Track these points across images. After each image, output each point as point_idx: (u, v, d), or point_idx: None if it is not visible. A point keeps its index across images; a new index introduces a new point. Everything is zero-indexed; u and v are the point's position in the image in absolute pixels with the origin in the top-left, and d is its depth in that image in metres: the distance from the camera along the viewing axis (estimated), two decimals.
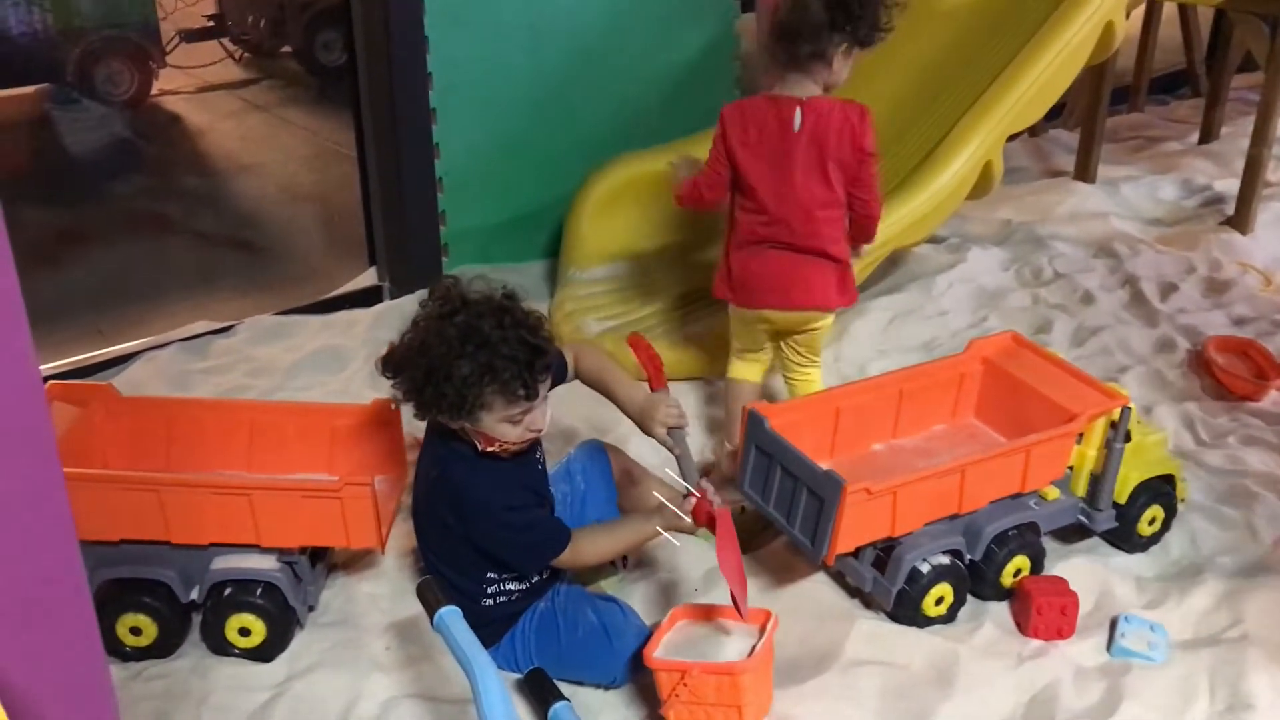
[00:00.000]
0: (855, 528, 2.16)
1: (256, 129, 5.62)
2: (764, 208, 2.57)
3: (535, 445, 2.21)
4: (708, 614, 2.12)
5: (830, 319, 2.70)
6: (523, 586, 2.17)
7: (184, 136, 5.57)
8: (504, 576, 2.15)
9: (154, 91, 5.93)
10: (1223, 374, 3.15)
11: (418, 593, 1.91)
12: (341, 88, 5.67)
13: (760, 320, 2.68)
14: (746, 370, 2.78)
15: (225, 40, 6.63)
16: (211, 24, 6.68)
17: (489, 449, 2.05)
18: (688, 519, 2.09)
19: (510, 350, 1.93)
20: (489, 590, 2.14)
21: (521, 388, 1.96)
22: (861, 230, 2.67)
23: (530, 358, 1.96)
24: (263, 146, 5.33)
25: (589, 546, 2.15)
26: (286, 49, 6.70)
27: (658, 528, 2.12)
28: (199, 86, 6.20)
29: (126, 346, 3.32)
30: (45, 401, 1.09)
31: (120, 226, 4.43)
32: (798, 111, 2.52)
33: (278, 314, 3.51)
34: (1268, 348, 3.27)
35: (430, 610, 1.81)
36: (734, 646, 2.02)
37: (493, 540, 2.09)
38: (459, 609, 1.81)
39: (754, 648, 1.99)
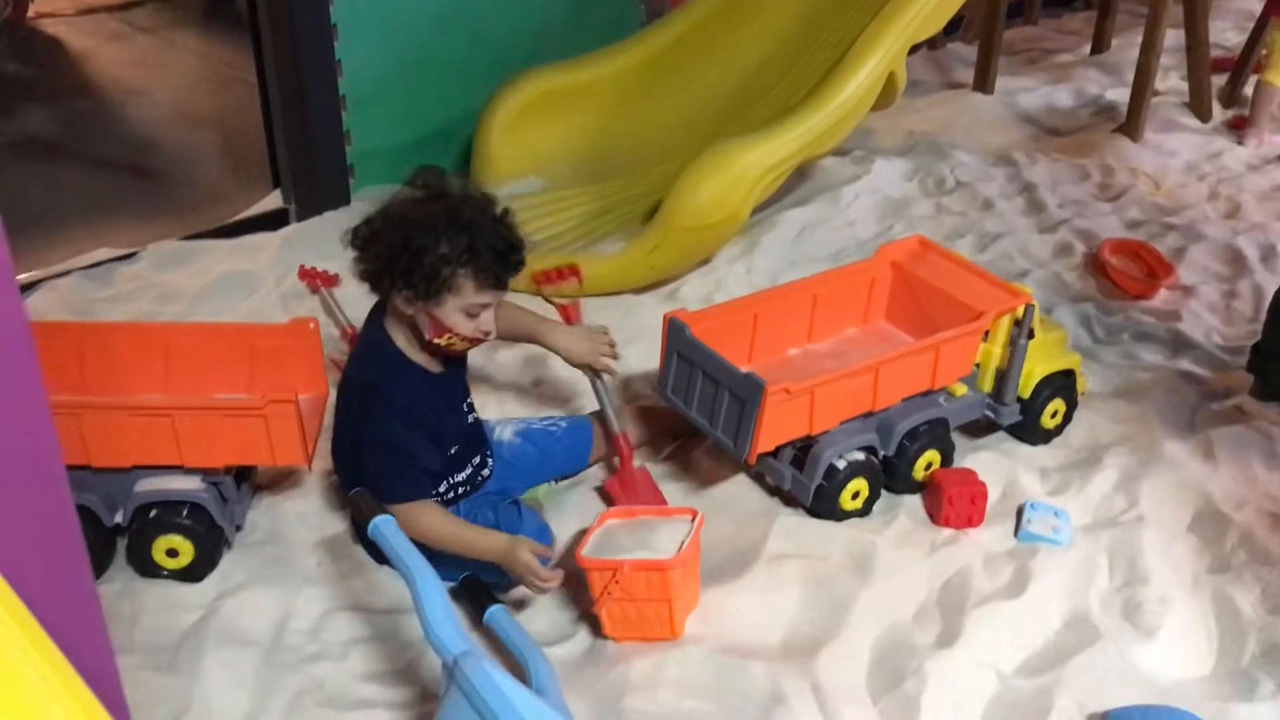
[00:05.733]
0: (775, 427, 2.22)
1: (145, 52, 5.40)
2: None
3: (463, 359, 2.23)
4: (635, 515, 2.18)
5: None
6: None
7: (68, 61, 5.31)
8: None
9: (30, 14, 5.65)
10: (1117, 275, 3.28)
11: (350, 502, 1.93)
12: (229, 11, 5.48)
13: None
14: (1275, 77, 4.03)
15: None
16: None
17: (436, 339, 2.05)
18: (545, 579, 2.02)
19: (489, 239, 1.99)
20: None
21: (495, 276, 2.00)
22: None
23: (507, 249, 2.02)
24: (153, 70, 5.12)
25: (428, 522, 2.05)
26: None
27: (500, 557, 2.03)
28: (78, 9, 5.91)
29: (25, 276, 3.21)
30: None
31: (8, 153, 4.25)
32: None
33: (182, 239, 3.42)
34: (1158, 249, 3.41)
35: (364, 519, 1.83)
36: (662, 544, 2.06)
37: (368, 444, 2.07)
38: (393, 518, 1.83)
39: (681, 545, 2.05)
